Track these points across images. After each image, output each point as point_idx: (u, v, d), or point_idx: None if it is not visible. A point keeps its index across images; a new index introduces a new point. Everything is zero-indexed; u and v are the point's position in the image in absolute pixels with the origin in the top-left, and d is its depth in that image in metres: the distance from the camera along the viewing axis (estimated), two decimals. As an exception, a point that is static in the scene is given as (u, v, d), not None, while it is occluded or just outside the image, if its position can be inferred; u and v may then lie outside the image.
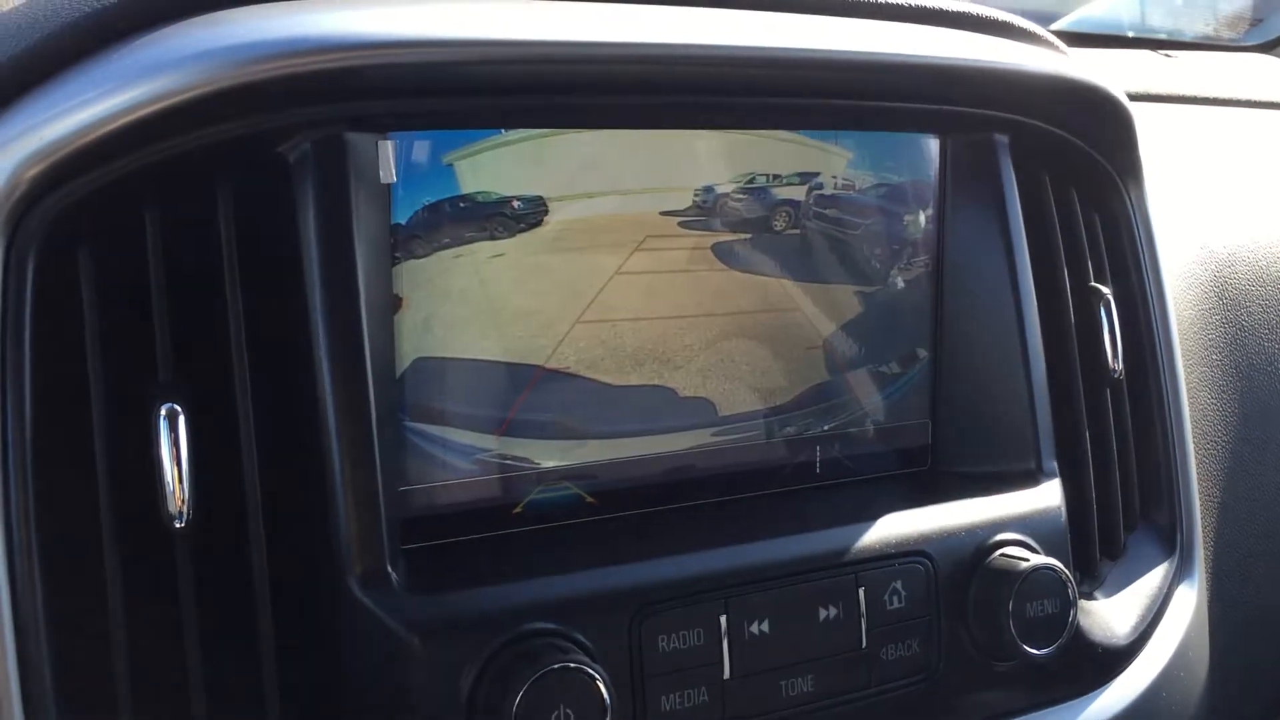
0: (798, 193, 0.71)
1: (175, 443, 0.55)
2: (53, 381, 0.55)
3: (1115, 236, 0.82)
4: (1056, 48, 0.80)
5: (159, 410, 0.55)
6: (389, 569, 0.59)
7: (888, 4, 0.75)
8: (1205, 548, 0.85)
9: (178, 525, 0.55)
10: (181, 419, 0.55)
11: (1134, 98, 1.18)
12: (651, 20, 0.64)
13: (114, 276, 0.56)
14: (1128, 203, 0.81)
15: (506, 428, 0.65)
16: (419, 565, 0.61)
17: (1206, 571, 0.83)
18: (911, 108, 0.73)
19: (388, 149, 0.61)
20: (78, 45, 0.56)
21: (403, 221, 0.62)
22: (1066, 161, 0.80)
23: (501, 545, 0.65)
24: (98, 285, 0.56)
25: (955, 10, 0.77)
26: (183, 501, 0.55)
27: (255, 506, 0.58)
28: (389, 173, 0.61)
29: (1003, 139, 0.76)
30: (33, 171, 0.53)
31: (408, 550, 0.62)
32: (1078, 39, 1.69)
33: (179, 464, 0.55)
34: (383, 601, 0.58)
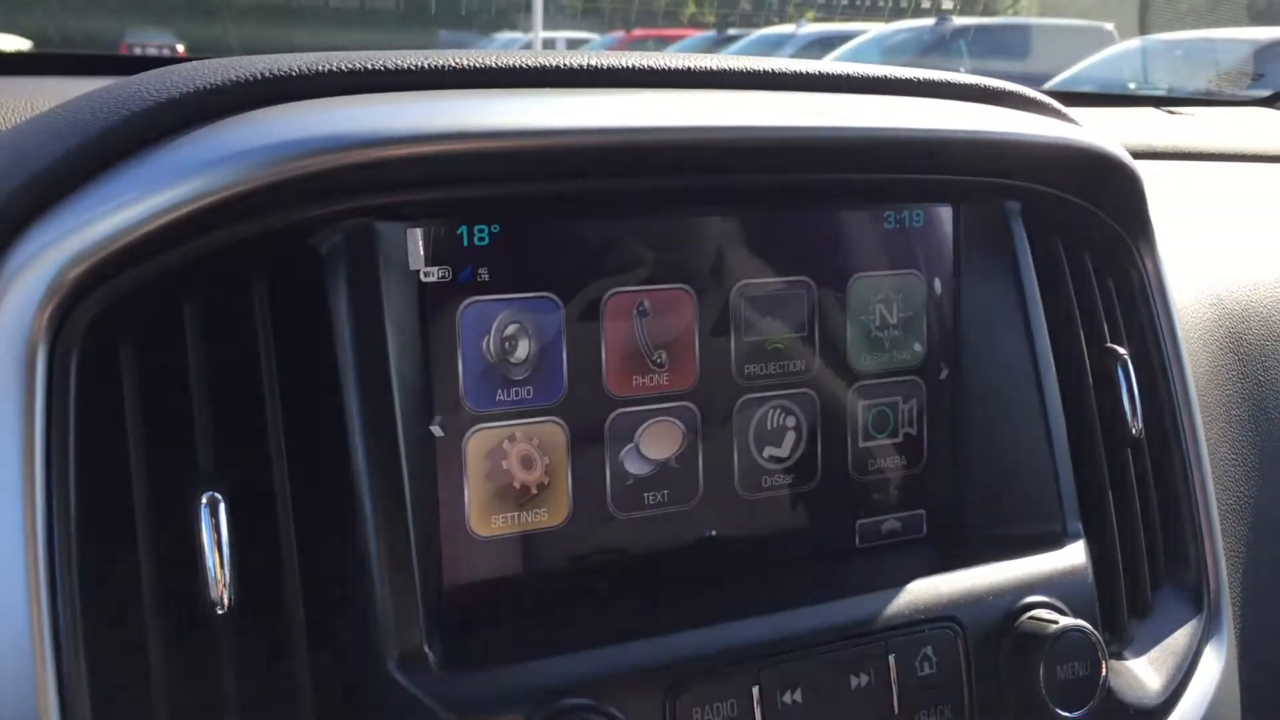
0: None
1: (216, 529, 0.56)
2: (97, 472, 0.56)
3: (1130, 298, 0.83)
4: (1063, 115, 0.82)
5: (200, 498, 0.57)
6: (426, 649, 0.60)
7: (897, 79, 0.78)
8: (1233, 604, 0.85)
9: (220, 611, 0.56)
10: (222, 506, 0.57)
11: (1141, 155, 1.20)
12: (677, 106, 0.66)
13: (154, 369, 0.58)
14: (1140, 264, 0.83)
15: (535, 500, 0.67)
16: (455, 643, 0.62)
17: (1235, 628, 0.83)
18: (925, 179, 0.75)
19: (417, 237, 0.63)
20: (117, 148, 0.58)
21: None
22: (1078, 226, 0.81)
23: (535, 619, 0.66)
24: (139, 378, 0.57)
25: (962, 83, 0.79)
26: (224, 587, 0.57)
27: (295, 591, 0.59)
28: (418, 260, 0.63)
29: (1014, 206, 0.78)
30: (76, 272, 0.55)
31: (443, 628, 0.63)
32: (1082, 99, 1.72)
33: (220, 550, 0.56)
34: (421, 682, 0.59)
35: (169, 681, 0.56)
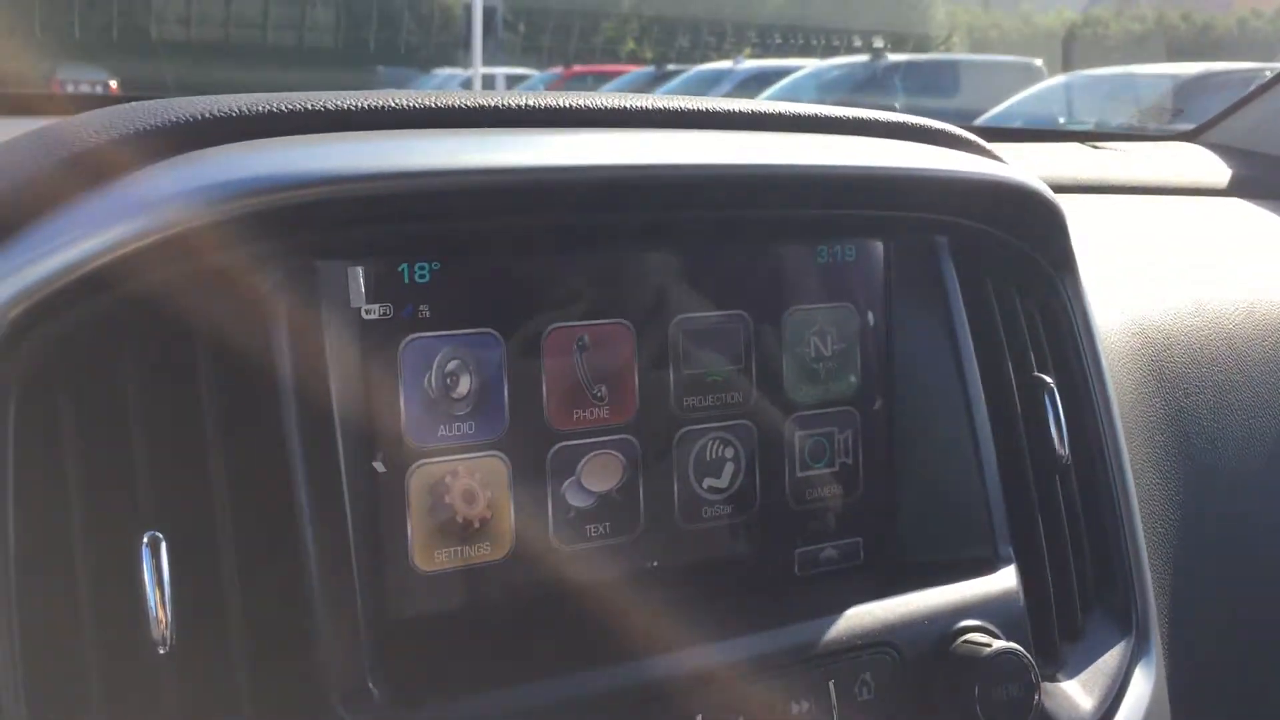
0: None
1: (158, 569, 0.56)
2: (37, 512, 0.56)
3: (1055, 328, 0.85)
4: (988, 153, 0.84)
5: (141, 538, 0.57)
6: (370, 685, 0.60)
7: (828, 118, 0.80)
8: (1161, 625, 0.88)
9: (161, 650, 0.56)
10: (164, 546, 0.57)
11: (1066, 189, 1.24)
12: (613, 144, 0.68)
13: (94, 409, 0.58)
14: (1064, 294, 0.85)
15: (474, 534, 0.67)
16: (399, 679, 0.62)
17: (1164, 648, 0.85)
18: (855, 215, 0.77)
19: (358, 274, 0.64)
20: (56, 190, 0.58)
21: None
22: (1004, 258, 0.84)
23: (478, 653, 0.66)
24: (77, 418, 0.57)
25: (892, 121, 0.81)
26: (166, 626, 0.56)
27: (238, 629, 0.59)
28: (359, 297, 0.64)
29: (943, 240, 0.80)
30: (15, 313, 0.55)
31: (387, 663, 0.63)
32: (1011, 134, 1.77)
33: (162, 589, 0.56)
34: (366, 718, 0.59)
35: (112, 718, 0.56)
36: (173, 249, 0.57)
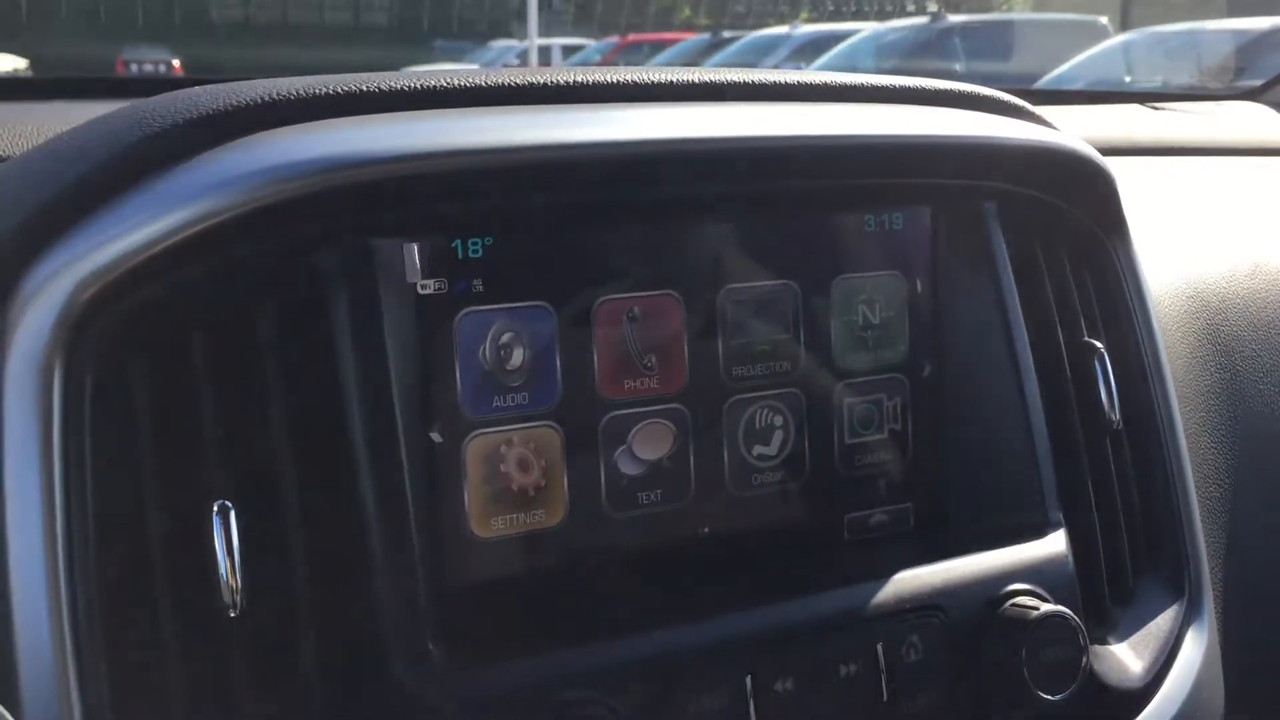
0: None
1: (227, 536, 0.59)
2: (112, 484, 0.59)
3: (1105, 292, 0.85)
4: (1036, 117, 0.84)
5: (212, 506, 0.59)
6: (431, 648, 0.62)
7: (880, 87, 0.80)
8: (1214, 589, 0.88)
9: (232, 614, 0.59)
10: (233, 514, 0.59)
11: (1123, 151, 1.23)
12: (663, 119, 0.69)
13: (165, 385, 0.61)
14: (1115, 259, 0.85)
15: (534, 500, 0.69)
16: (459, 642, 0.64)
17: (1216, 612, 0.86)
18: (903, 183, 0.78)
19: (413, 251, 0.66)
20: (126, 174, 0.61)
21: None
22: (1053, 223, 0.84)
23: (535, 616, 0.68)
24: (150, 394, 0.60)
25: (937, 89, 0.81)
26: (236, 590, 0.59)
27: (303, 593, 0.61)
28: (415, 273, 0.66)
29: (991, 207, 0.80)
30: (89, 293, 0.57)
31: (447, 628, 0.65)
32: (1067, 97, 1.75)
33: (231, 555, 0.59)
34: (428, 681, 0.62)
35: (184, 681, 0.59)
36: (237, 229, 0.60)
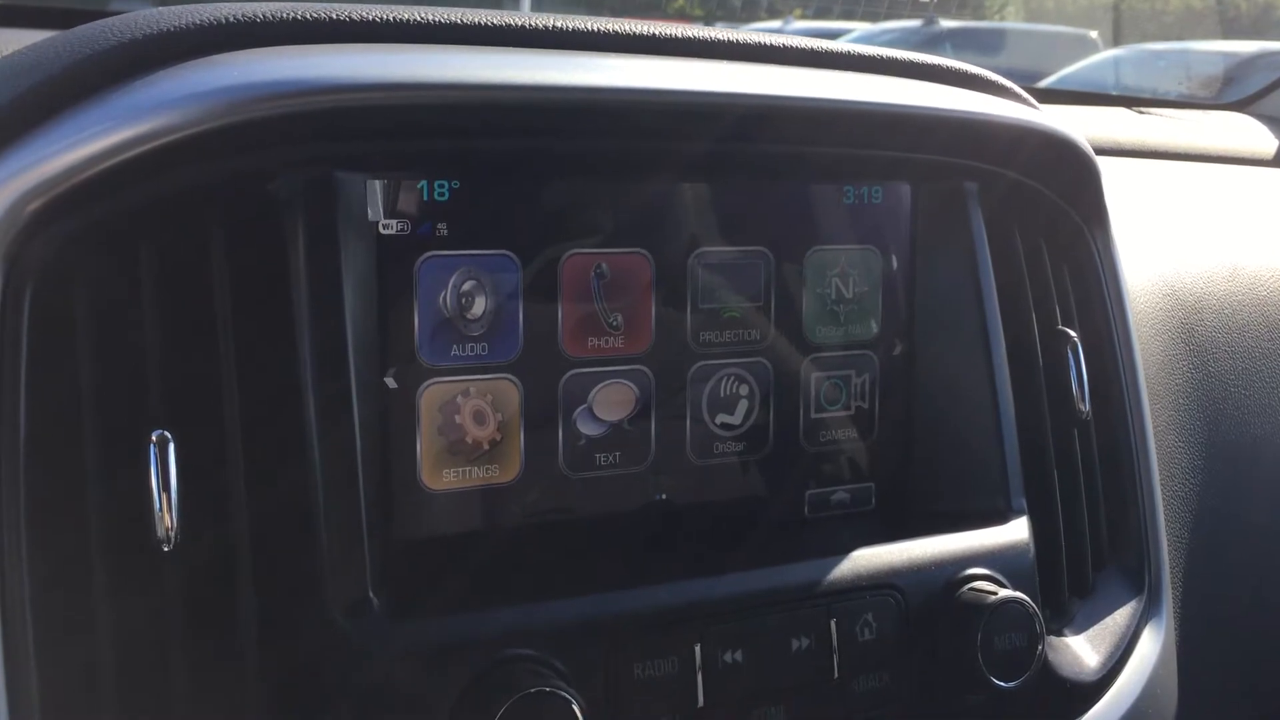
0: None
1: (164, 467, 0.57)
2: (47, 408, 0.56)
3: (1082, 281, 0.84)
4: (1025, 100, 0.83)
5: (149, 436, 0.57)
6: (371, 595, 0.60)
7: (865, 57, 0.79)
8: (1173, 587, 0.87)
9: (165, 548, 0.57)
10: (171, 445, 0.57)
11: (1107, 151, 1.22)
12: (641, 69, 0.67)
13: (108, 309, 0.58)
14: (1094, 249, 0.84)
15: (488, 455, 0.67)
16: (401, 593, 0.62)
17: (1174, 610, 0.85)
18: (884, 155, 0.76)
19: (376, 189, 0.64)
20: (77, 87, 0.58)
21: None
22: (1034, 208, 0.82)
23: (482, 573, 0.66)
24: (90, 318, 0.58)
25: (927, 63, 0.80)
26: (170, 526, 0.57)
27: (241, 531, 0.59)
28: (377, 211, 0.64)
29: (972, 187, 0.79)
30: (32, 206, 0.55)
31: (390, 577, 0.63)
32: (1054, 96, 1.74)
33: (167, 488, 0.57)
34: (365, 629, 0.59)
35: (113, 616, 0.57)
36: (192, 149, 0.57)
